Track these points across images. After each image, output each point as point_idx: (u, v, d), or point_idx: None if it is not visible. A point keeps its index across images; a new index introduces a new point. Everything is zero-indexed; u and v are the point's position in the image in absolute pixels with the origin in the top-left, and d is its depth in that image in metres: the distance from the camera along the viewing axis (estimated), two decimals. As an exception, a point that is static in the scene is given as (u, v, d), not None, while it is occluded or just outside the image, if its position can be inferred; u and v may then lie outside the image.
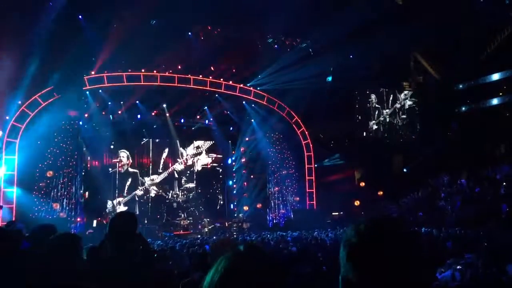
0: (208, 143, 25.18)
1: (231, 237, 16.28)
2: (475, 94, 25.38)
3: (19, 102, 17.86)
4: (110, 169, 22.64)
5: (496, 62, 23.77)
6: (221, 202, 25.40)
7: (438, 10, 20.98)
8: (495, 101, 24.69)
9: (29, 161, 17.84)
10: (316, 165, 24.76)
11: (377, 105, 26.83)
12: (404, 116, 27.22)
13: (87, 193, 20.75)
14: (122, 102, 21.24)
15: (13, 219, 16.48)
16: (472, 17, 21.89)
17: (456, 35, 22.41)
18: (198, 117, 23.92)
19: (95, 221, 20.10)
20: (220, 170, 25.81)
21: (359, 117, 26.31)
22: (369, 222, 1.26)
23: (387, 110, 27.02)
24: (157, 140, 23.97)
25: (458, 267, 8.44)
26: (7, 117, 17.66)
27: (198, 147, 25.06)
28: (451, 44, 22.90)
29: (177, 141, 24.37)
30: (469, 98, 25.96)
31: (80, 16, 18.19)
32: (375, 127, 26.58)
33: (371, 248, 1.18)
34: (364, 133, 25.78)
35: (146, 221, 21.40)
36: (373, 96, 26.61)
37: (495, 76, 24.46)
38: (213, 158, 25.38)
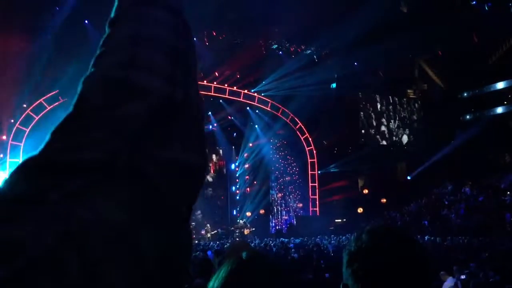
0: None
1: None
2: (479, 102, 25.33)
3: (24, 106, 17.94)
4: None
5: (501, 71, 23.72)
6: (224, 208, 25.28)
7: (443, 19, 20.96)
8: (499, 110, 24.62)
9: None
10: (319, 172, 24.71)
11: (381, 113, 26.78)
12: (408, 124, 27.15)
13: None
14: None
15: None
16: (477, 26, 21.86)
17: (461, 44, 22.37)
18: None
19: None
20: (224, 175, 25.73)
21: (363, 124, 26.25)
22: (370, 230, 1.26)
23: (392, 117, 26.97)
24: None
25: (462, 276, 8.40)
26: (12, 121, 17.72)
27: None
28: (456, 52, 22.85)
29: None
30: (473, 106, 25.90)
31: (86, 21, 18.28)
32: (379, 134, 26.52)
33: (369, 256, 1.18)
34: (368, 140, 25.69)
35: None
36: (377, 104, 26.56)
37: (500, 85, 24.41)
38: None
